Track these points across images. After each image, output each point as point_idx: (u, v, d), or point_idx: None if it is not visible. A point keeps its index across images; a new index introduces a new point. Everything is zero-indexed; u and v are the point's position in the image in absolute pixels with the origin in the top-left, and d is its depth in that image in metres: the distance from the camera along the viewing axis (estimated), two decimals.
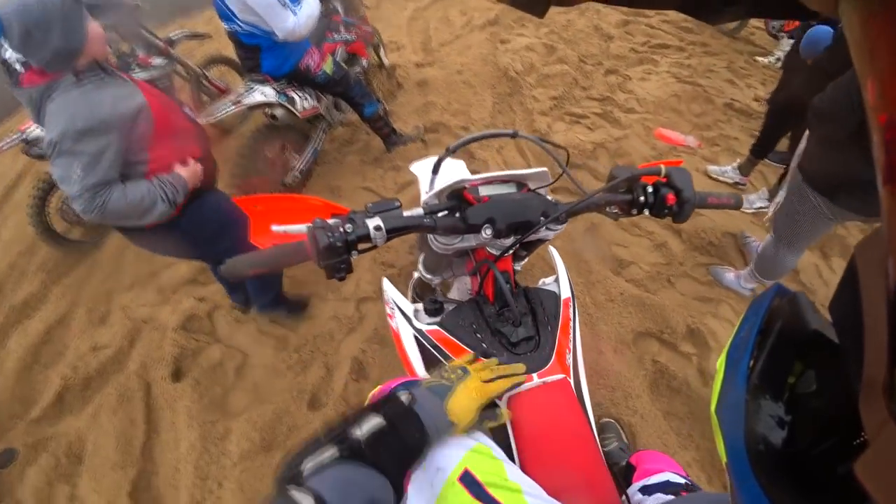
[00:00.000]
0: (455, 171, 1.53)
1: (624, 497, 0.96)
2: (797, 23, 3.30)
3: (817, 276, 2.61)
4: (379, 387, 1.09)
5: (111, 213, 1.51)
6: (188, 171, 1.71)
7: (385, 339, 2.22)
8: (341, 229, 0.76)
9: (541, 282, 1.19)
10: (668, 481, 0.97)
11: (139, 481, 2.04)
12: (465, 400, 0.77)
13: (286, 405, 2.08)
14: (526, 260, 1.30)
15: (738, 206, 1.01)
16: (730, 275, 2.51)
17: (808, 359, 0.36)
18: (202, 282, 2.73)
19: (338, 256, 0.76)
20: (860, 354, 0.24)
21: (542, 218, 0.92)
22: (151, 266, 2.92)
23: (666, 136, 3.51)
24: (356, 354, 2.18)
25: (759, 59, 4.68)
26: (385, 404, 0.71)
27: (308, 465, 0.60)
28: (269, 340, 2.33)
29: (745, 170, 3.07)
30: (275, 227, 0.86)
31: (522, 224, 0.92)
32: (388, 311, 1.14)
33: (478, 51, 4.58)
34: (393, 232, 0.82)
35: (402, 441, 0.67)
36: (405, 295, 1.13)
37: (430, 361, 1.00)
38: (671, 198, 0.92)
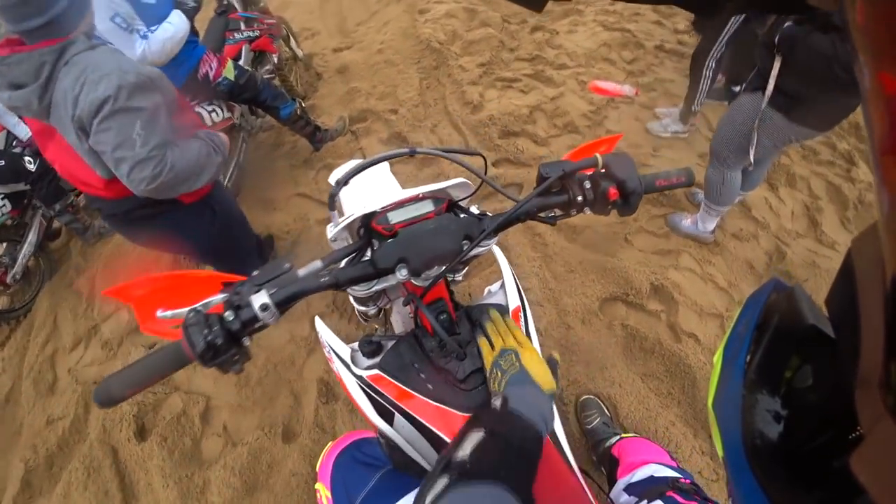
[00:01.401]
0: (375, 186, 1.42)
1: (609, 501, 0.96)
2: None
3: (768, 210, 2.65)
4: (330, 445, 1.04)
5: (179, 175, 1.45)
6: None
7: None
8: (221, 319, 0.66)
9: (486, 291, 1.12)
10: (651, 477, 0.97)
11: None
12: (540, 367, 0.78)
13: (260, 443, 2.03)
14: (465, 270, 1.24)
15: (690, 182, 0.90)
16: (686, 221, 2.52)
17: (804, 353, 0.36)
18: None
19: (223, 354, 0.66)
20: (856, 349, 0.24)
21: (465, 242, 0.83)
22: (89, 320, 2.78)
23: (601, 87, 3.43)
24: (321, 376, 2.13)
25: None
26: (480, 417, 0.70)
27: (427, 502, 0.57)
28: (230, 378, 2.25)
29: (685, 119, 3.03)
30: (160, 314, 0.72)
31: (442, 255, 0.82)
32: (326, 353, 1.06)
33: (396, 25, 4.40)
34: (287, 303, 0.72)
35: (507, 443, 0.64)
36: (356, 319, 1.05)
37: (381, 409, 0.92)
38: (613, 191, 0.82)
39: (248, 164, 3.14)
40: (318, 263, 0.79)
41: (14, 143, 2.78)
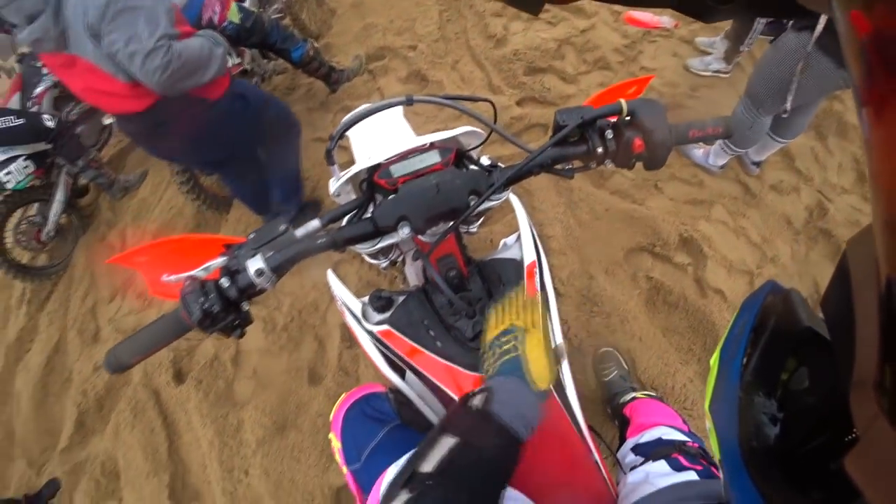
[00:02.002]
0: (385, 132, 1.36)
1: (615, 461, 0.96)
2: None
3: (813, 161, 2.47)
4: (343, 396, 1.06)
5: (188, 63, 1.56)
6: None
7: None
8: (216, 287, 0.65)
9: (501, 244, 1.09)
10: (659, 439, 0.95)
11: (174, 483, 2.16)
12: (540, 359, 0.71)
13: (288, 385, 2.13)
14: (480, 222, 1.20)
15: (728, 134, 0.78)
16: (698, 151, 2.40)
17: (801, 356, 0.37)
18: None
19: (221, 321, 0.66)
20: (851, 351, 0.25)
21: (472, 198, 0.77)
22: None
23: (637, 18, 3.15)
24: (342, 322, 2.19)
25: None
26: (455, 419, 0.65)
27: None
28: (256, 324, 2.34)
29: (729, 57, 2.78)
30: (165, 278, 0.73)
31: (446, 213, 0.77)
32: (339, 307, 1.06)
33: None
34: (284, 267, 0.70)
35: (480, 454, 0.59)
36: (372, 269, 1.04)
37: (393, 363, 0.94)
38: (638, 142, 0.72)
39: None
40: (315, 223, 0.77)
41: (30, 102, 2.82)
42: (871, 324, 0.23)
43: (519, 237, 1.01)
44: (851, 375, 0.24)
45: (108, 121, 2.33)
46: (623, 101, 0.73)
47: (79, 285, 3.00)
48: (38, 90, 2.88)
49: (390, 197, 0.78)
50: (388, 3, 3.74)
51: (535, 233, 1.02)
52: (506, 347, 0.73)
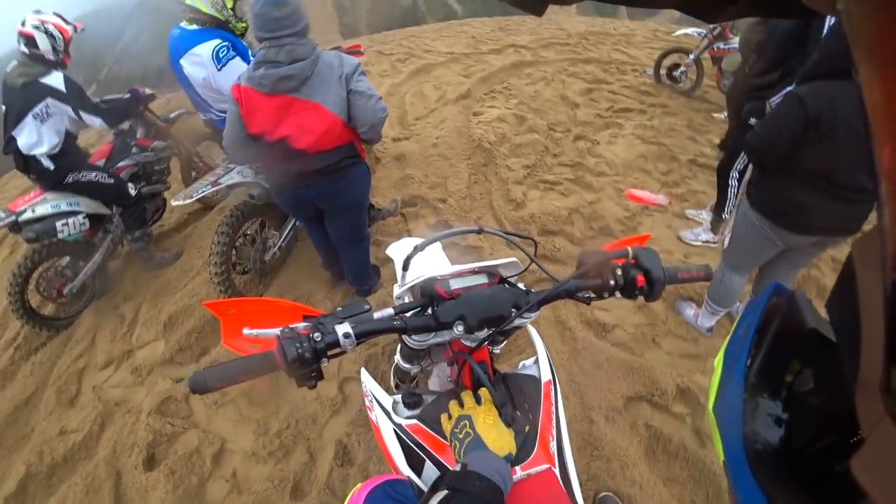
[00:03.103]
0: (430, 259, 1.61)
1: None
2: None
3: None
4: (360, 485, 1.12)
5: (385, 115, 2.12)
6: None
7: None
8: (310, 338, 0.81)
9: (520, 364, 1.25)
10: None
11: None
12: (492, 432, 0.87)
13: (267, 495, 2.05)
14: (504, 343, 1.38)
15: (708, 277, 1.05)
16: (690, 311, 2.68)
17: (805, 357, 0.37)
18: (179, 362, 2.74)
19: (307, 366, 0.79)
20: (857, 352, 0.25)
21: (513, 310, 0.96)
22: (126, 344, 2.93)
23: (637, 196, 3.75)
24: (341, 438, 2.18)
25: (716, 115, 5.17)
26: (441, 479, 0.79)
27: None
28: (250, 425, 2.33)
29: (715, 228, 3.29)
30: (246, 331, 0.85)
31: (494, 318, 0.94)
32: (367, 402, 1.17)
33: (452, 124, 4.90)
34: (363, 337, 0.85)
35: (469, 496, 0.71)
36: (387, 380, 1.18)
37: (412, 457, 1.03)
38: (640, 279, 0.95)
39: (302, 229, 3.39)
40: (390, 310, 0.94)
41: (111, 171, 3.16)
42: (877, 325, 0.23)
43: (536, 360, 1.19)
44: (857, 377, 0.25)
45: (178, 202, 2.60)
46: (629, 248, 1.00)
47: (76, 345, 3.00)
48: (122, 163, 3.24)
49: (450, 301, 0.98)
50: (425, 160, 4.33)
51: (550, 358, 1.20)
52: (461, 435, 0.88)
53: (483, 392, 1.00)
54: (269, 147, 2.08)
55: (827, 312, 0.32)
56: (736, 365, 0.39)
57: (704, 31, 5.51)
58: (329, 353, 0.83)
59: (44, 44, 2.71)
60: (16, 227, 2.82)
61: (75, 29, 2.90)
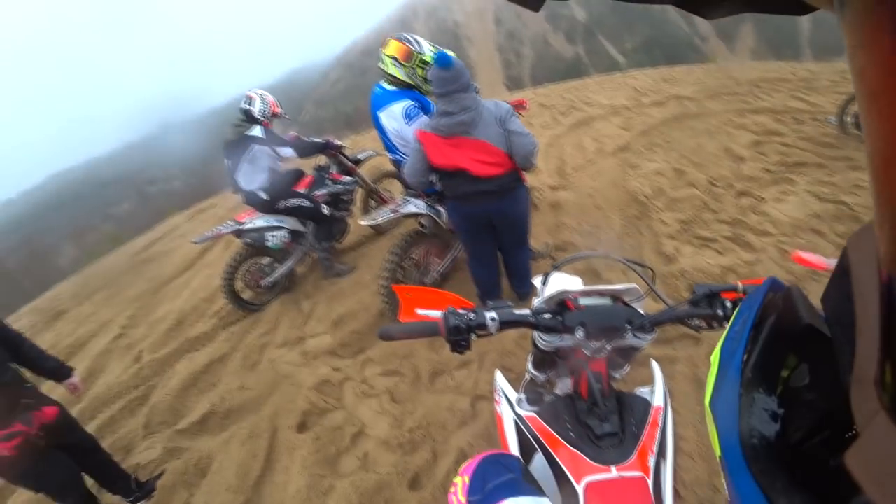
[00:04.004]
0: (565, 281, 1.82)
1: None
2: None
3: None
4: (469, 460, 1.30)
5: (534, 148, 2.53)
6: None
7: (493, 438, 2.40)
8: (466, 317, 1.09)
9: (637, 389, 1.34)
10: None
11: None
12: None
13: (389, 479, 2.29)
14: (625, 370, 1.49)
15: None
16: None
17: (801, 352, 0.37)
18: (340, 355, 3.19)
19: (460, 335, 1.07)
20: (852, 347, 0.25)
21: (627, 325, 1.12)
22: (300, 332, 3.49)
23: (805, 259, 3.27)
24: (463, 447, 2.36)
25: None
26: None
27: None
28: (388, 418, 2.63)
29: None
30: (418, 311, 1.23)
31: (610, 328, 1.10)
32: (496, 397, 1.38)
33: (608, 175, 4.96)
34: (505, 324, 1.10)
35: None
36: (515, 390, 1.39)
37: (524, 446, 1.19)
38: None
39: (460, 261, 3.71)
40: (527, 311, 1.19)
41: (314, 195, 3.94)
42: (872, 320, 0.23)
43: (653, 388, 1.27)
44: (852, 372, 0.25)
45: (365, 222, 3.17)
46: (740, 283, 1.05)
47: (262, 325, 3.66)
48: (319, 192, 4.01)
49: (576, 310, 1.19)
50: (580, 209, 4.43)
51: (667, 391, 1.26)
52: None
53: None
54: (451, 176, 2.55)
55: (822, 307, 0.33)
56: (732, 360, 0.40)
57: None
58: (478, 331, 1.10)
59: (258, 107, 3.62)
60: (238, 233, 3.66)
61: (283, 114, 3.86)
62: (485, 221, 2.77)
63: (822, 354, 0.35)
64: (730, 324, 0.45)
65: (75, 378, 2.41)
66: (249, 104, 3.61)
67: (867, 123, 0.22)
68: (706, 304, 1.12)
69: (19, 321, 5.96)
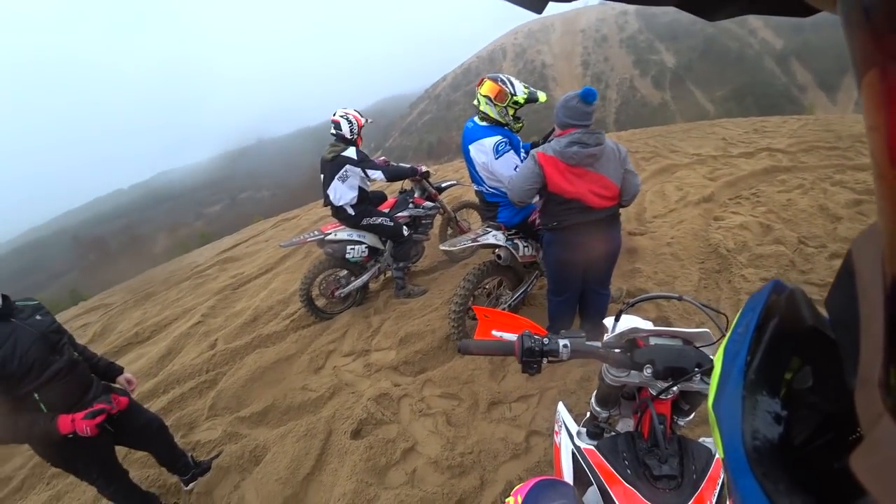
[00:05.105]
0: (637, 321, 1.82)
1: None
2: None
3: None
4: (524, 482, 1.31)
5: (639, 190, 2.79)
6: None
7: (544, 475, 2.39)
8: (540, 342, 1.13)
9: (701, 438, 1.33)
10: None
11: (290, 501, 2.46)
12: None
13: (433, 498, 2.33)
14: (691, 417, 1.48)
15: None
16: None
17: (805, 354, 0.38)
18: (402, 372, 3.30)
19: (532, 357, 1.12)
20: (856, 349, 0.25)
21: (696, 368, 1.11)
22: (366, 345, 3.64)
23: None
24: (512, 479, 2.36)
25: None
26: None
27: None
28: (440, 439, 2.68)
29: None
30: (494, 332, 1.29)
31: (677, 369, 1.10)
32: (556, 428, 1.41)
33: (689, 225, 4.79)
34: (576, 353, 1.13)
35: None
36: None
37: (580, 478, 1.21)
38: None
39: (530, 297, 3.79)
40: (598, 343, 1.22)
41: (396, 216, 4.15)
42: (877, 322, 0.24)
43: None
44: (856, 374, 0.25)
45: (445, 247, 3.31)
46: None
47: (331, 333, 3.85)
48: (401, 213, 4.22)
49: (645, 347, 1.19)
50: (657, 257, 4.31)
51: None
52: None
53: None
54: (562, 203, 2.66)
55: (826, 309, 0.33)
56: (735, 362, 0.40)
57: None
58: (550, 356, 1.14)
59: (345, 128, 3.84)
60: (321, 242, 3.91)
61: (367, 121, 4.02)
62: (583, 255, 2.83)
63: (825, 357, 0.35)
64: (733, 326, 0.45)
65: (128, 374, 2.46)
66: (338, 128, 3.86)
67: (873, 122, 0.22)
68: None
69: (112, 296, 6.57)
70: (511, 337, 1.21)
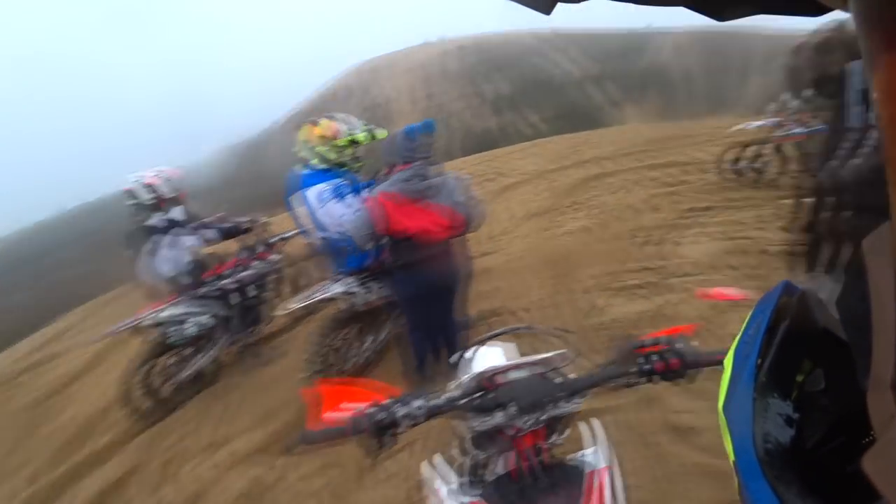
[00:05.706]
0: (493, 356, 1.81)
1: None
2: None
3: None
4: None
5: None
6: None
7: None
8: (391, 410, 1.03)
9: (580, 453, 1.30)
10: None
11: None
12: None
13: None
14: (566, 433, 1.48)
15: None
16: None
17: (816, 357, 0.38)
18: (271, 452, 2.96)
19: (384, 432, 1.02)
20: (868, 351, 0.25)
21: (559, 394, 1.11)
22: (228, 429, 3.25)
23: (708, 294, 3.33)
24: None
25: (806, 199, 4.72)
26: None
27: None
28: None
29: None
30: (325, 416, 1.13)
31: (540, 403, 1.10)
32: (436, 486, 1.28)
33: (536, 236, 5.26)
34: (433, 413, 1.07)
35: None
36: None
37: None
38: (675, 362, 1.06)
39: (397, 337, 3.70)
40: (456, 393, 1.16)
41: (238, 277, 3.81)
42: (889, 324, 0.23)
43: (596, 450, 1.25)
44: (868, 375, 0.25)
45: (278, 312, 3.10)
46: (662, 335, 1.13)
47: (184, 426, 3.41)
48: (246, 273, 3.85)
49: (505, 385, 1.17)
50: (511, 272, 4.58)
51: (607, 449, 1.24)
52: None
53: None
54: (408, 238, 2.61)
55: (837, 311, 0.32)
56: (746, 364, 0.40)
57: (775, 120, 5.50)
58: (405, 423, 1.05)
59: (167, 187, 3.49)
60: (138, 329, 3.42)
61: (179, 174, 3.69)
62: (432, 288, 2.80)
63: (837, 359, 0.35)
64: (743, 328, 0.44)
65: None
66: (154, 190, 3.46)
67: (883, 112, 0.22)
68: (627, 361, 1.14)
69: None
70: (341, 419, 1.06)
